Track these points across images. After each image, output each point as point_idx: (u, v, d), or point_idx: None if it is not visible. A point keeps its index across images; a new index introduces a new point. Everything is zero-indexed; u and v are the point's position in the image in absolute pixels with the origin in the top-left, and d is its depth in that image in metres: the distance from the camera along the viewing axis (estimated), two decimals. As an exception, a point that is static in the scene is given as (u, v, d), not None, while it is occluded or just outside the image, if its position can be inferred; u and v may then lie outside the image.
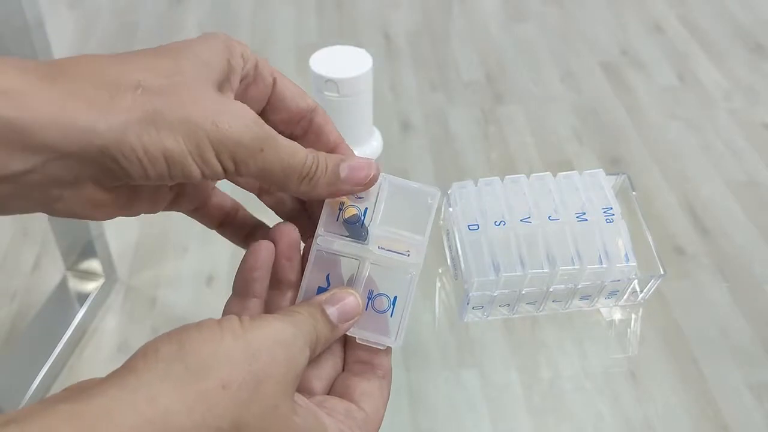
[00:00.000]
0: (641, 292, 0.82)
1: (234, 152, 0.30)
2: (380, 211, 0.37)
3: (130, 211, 0.34)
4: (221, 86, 0.33)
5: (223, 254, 0.92)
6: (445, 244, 0.87)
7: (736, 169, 1.04)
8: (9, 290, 0.88)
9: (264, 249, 0.35)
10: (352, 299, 0.35)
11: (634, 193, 0.86)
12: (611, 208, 0.81)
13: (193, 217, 0.40)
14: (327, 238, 0.36)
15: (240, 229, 0.41)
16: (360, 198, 0.37)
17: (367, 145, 1.01)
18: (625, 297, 0.82)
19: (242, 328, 0.29)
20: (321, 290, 0.36)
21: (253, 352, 0.28)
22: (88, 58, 0.30)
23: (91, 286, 0.86)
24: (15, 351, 0.81)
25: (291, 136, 0.37)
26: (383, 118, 1.08)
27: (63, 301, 0.86)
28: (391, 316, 0.36)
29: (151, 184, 0.32)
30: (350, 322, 0.34)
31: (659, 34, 1.35)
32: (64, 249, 0.89)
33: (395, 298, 0.36)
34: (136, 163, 0.29)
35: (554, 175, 0.84)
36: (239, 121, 0.30)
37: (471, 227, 0.81)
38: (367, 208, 0.37)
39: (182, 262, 0.89)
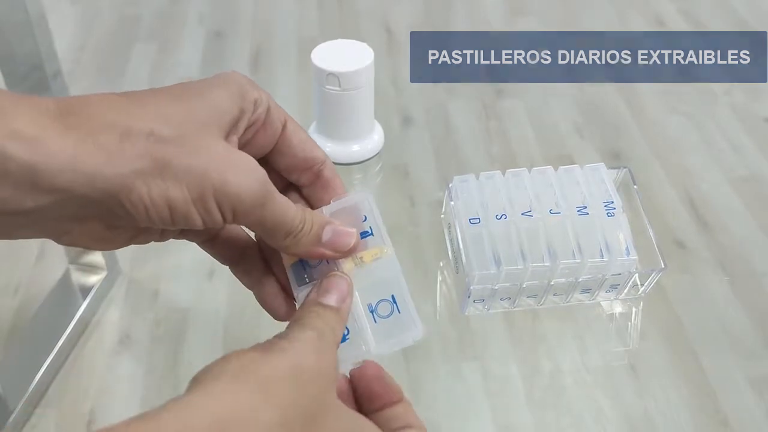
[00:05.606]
0: (642, 285, 0.82)
1: (235, 205, 0.32)
2: None
3: (135, 242, 0.36)
4: (229, 134, 0.34)
5: (224, 248, 0.92)
6: (447, 237, 0.88)
7: (737, 164, 1.04)
8: (11, 283, 0.88)
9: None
10: (335, 278, 0.36)
11: (635, 186, 0.86)
12: (612, 202, 0.81)
13: (204, 250, 0.42)
14: (302, 289, 0.38)
15: (251, 268, 0.41)
16: None
17: (368, 139, 1.01)
18: (625, 290, 0.82)
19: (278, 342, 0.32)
20: None
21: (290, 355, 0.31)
22: (102, 99, 0.31)
23: (94, 279, 0.86)
24: (17, 343, 0.82)
25: (296, 183, 0.40)
26: (384, 112, 1.08)
27: (65, 293, 0.86)
28: (399, 312, 0.37)
29: (155, 228, 0.34)
30: (346, 300, 0.36)
31: (661, 28, 1.34)
32: (66, 242, 0.89)
33: (392, 296, 0.37)
34: (142, 210, 0.30)
35: (555, 169, 0.85)
36: (245, 178, 0.32)
37: (472, 221, 0.81)
38: None
39: (184, 255, 0.90)
